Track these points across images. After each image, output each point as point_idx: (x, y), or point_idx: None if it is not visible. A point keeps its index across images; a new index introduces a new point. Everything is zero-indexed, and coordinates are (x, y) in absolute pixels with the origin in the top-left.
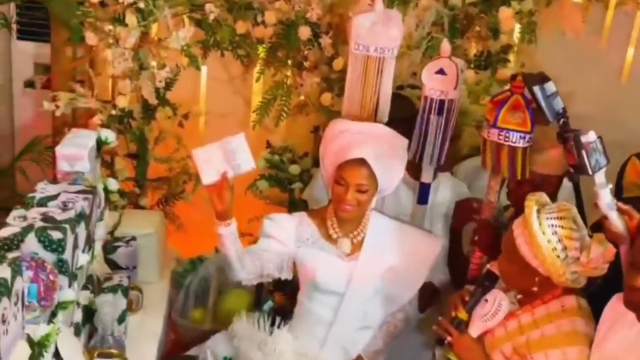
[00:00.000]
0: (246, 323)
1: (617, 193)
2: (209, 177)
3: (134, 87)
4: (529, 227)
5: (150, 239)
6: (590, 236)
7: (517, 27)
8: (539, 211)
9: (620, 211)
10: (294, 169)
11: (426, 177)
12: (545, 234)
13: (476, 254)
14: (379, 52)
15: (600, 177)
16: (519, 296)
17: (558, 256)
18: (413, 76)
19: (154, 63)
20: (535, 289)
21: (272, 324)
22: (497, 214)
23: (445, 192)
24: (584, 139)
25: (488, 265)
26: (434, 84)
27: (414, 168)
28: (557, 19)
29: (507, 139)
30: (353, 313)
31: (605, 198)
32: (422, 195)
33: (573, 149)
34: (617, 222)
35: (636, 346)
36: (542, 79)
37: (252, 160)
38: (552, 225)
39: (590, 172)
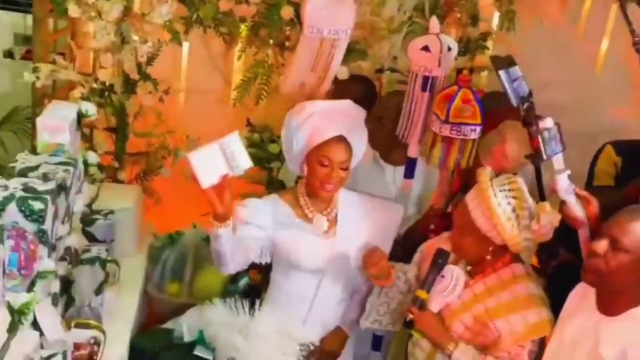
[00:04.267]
0: (222, 309)
1: (589, 181)
2: (208, 180)
3: (116, 61)
4: (487, 199)
5: (128, 213)
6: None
7: (497, 15)
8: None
9: (578, 197)
10: (274, 148)
11: (412, 151)
12: (501, 205)
13: None
14: (332, 34)
15: (558, 162)
16: (469, 267)
17: (513, 225)
18: (394, 60)
19: (136, 37)
20: (488, 257)
21: (251, 305)
22: None
23: (418, 174)
24: (541, 124)
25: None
26: (418, 60)
27: (385, 150)
28: (535, 8)
29: (459, 133)
30: (333, 288)
31: (563, 183)
32: (409, 169)
33: (534, 133)
34: (575, 207)
35: (593, 335)
36: (509, 63)
37: (249, 159)
38: (506, 197)
39: (544, 157)
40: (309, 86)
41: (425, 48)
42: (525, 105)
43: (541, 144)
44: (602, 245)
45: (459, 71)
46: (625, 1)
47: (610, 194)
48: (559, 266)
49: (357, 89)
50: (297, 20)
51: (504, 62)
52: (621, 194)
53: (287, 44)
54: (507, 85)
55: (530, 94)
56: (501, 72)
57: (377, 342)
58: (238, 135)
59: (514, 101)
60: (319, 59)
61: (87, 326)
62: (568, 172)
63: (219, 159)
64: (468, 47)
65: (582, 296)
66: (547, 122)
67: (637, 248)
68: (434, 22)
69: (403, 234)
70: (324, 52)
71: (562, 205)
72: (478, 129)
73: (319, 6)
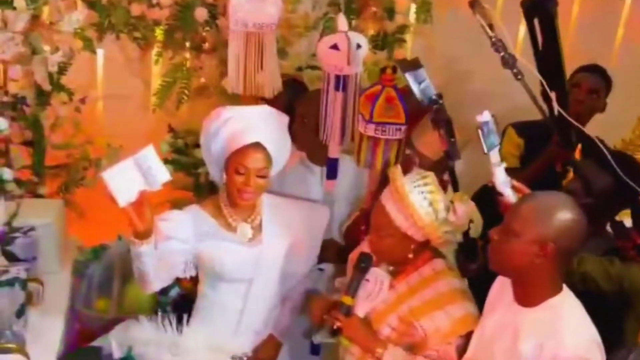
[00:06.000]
0: (149, 328)
1: None
2: (125, 198)
3: (27, 72)
4: (405, 197)
5: (50, 228)
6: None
7: (413, 7)
8: None
9: (514, 189)
10: (199, 153)
11: (333, 152)
12: (418, 201)
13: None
14: (257, 27)
15: (494, 156)
16: (391, 268)
17: (432, 219)
18: (313, 57)
19: (47, 47)
20: (411, 256)
21: (178, 320)
22: None
23: (348, 173)
24: (478, 118)
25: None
26: (328, 59)
27: (311, 150)
28: None
29: (384, 133)
30: (263, 296)
31: (500, 176)
32: (330, 170)
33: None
34: (512, 199)
35: (511, 328)
36: (415, 65)
37: (167, 171)
38: (422, 192)
39: (485, 151)
40: (249, 82)
41: (334, 47)
42: (435, 107)
43: (481, 138)
44: (494, 230)
45: (382, 70)
46: (476, 4)
47: (517, 175)
48: (479, 269)
49: (287, 89)
50: (212, 21)
51: (410, 64)
52: (526, 174)
53: (204, 46)
54: (414, 87)
55: (439, 96)
56: (407, 75)
57: (315, 346)
58: (153, 148)
59: (423, 103)
60: (249, 53)
61: (8, 351)
62: (504, 165)
63: (135, 175)
64: (385, 41)
65: (500, 289)
66: (485, 116)
67: (526, 230)
68: (342, 20)
69: (343, 234)
70: (252, 46)
71: (498, 198)
72: (403, 128)
73: (243, 0)
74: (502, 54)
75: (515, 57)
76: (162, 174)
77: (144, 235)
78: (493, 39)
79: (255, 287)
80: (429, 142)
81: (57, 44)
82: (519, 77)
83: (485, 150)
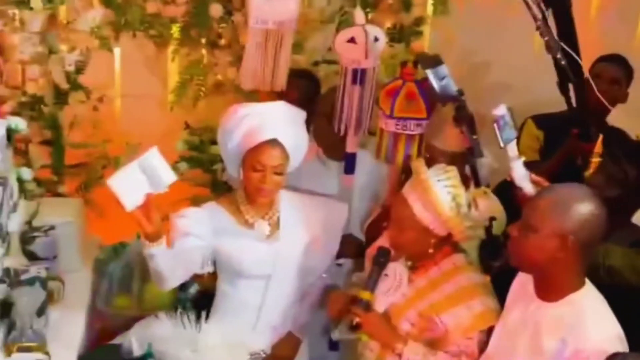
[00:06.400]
0: (168, 324)
1: None
2: (132, 202)
3: (44, 72)
4: (429, 191)
5: (70, 227)
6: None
7: None
8: None
9: (533, 182)
10: (215, 149)
11: (351, 146)
12: (441, 195)
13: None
14: (278, 25)
15: (512, 150)
16: (409, 263)
17: (456, 214)
18: (329, 51)
19: (63, 47)
20: (431, 250)
21: (197, 317)
22: None
23: (365, 168)
24: (495, 111)
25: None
26: (346, 53)
27: (331, 146)
28: None
29: (404, 128)
30: (281, 293)
31: (519, 171)
32: (348, 165)
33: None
34: (531, 193)
35: (532, 323)
36: (435, 62)
37: (172, 172)
38: (445, 186)
39: (502, 145)
40: (261, 77)
41: (352, 40)
42: (456, 104)
43: (497, 132)
44: (513, 227)
45: (402, 64)
46: None
47: (536, 168)
48: (502, 267)
49: (302, 85)
50: (227, 17)
51: (431, 61)
52: (546, 167)
53: (222, 42)
54: (436, 85)
55: (460, 92)
56: (428, 71)
57: (334, 342)
58: (157, 150)
59: (444, 100)
60: (266, 51)
61: (29, 349)
62: (523, 158)
63: (141, 178)
64: (402, 34)
65: (522, 284)
66: (501, 109)
67: (545, 225)
68: (358, 14)
69: (364, 231)
70: (271, 43)
71: (518, 192)
72: (423, 123)
73: None
74: (546, 38)
75: (560, 43)
76: (168, 176)
77: (154, 237)
78: (539, 24)
79: (274, 284)
80: (446, 137)
81: (74, 43)
82: (562, 62)
83: (502, 145)
